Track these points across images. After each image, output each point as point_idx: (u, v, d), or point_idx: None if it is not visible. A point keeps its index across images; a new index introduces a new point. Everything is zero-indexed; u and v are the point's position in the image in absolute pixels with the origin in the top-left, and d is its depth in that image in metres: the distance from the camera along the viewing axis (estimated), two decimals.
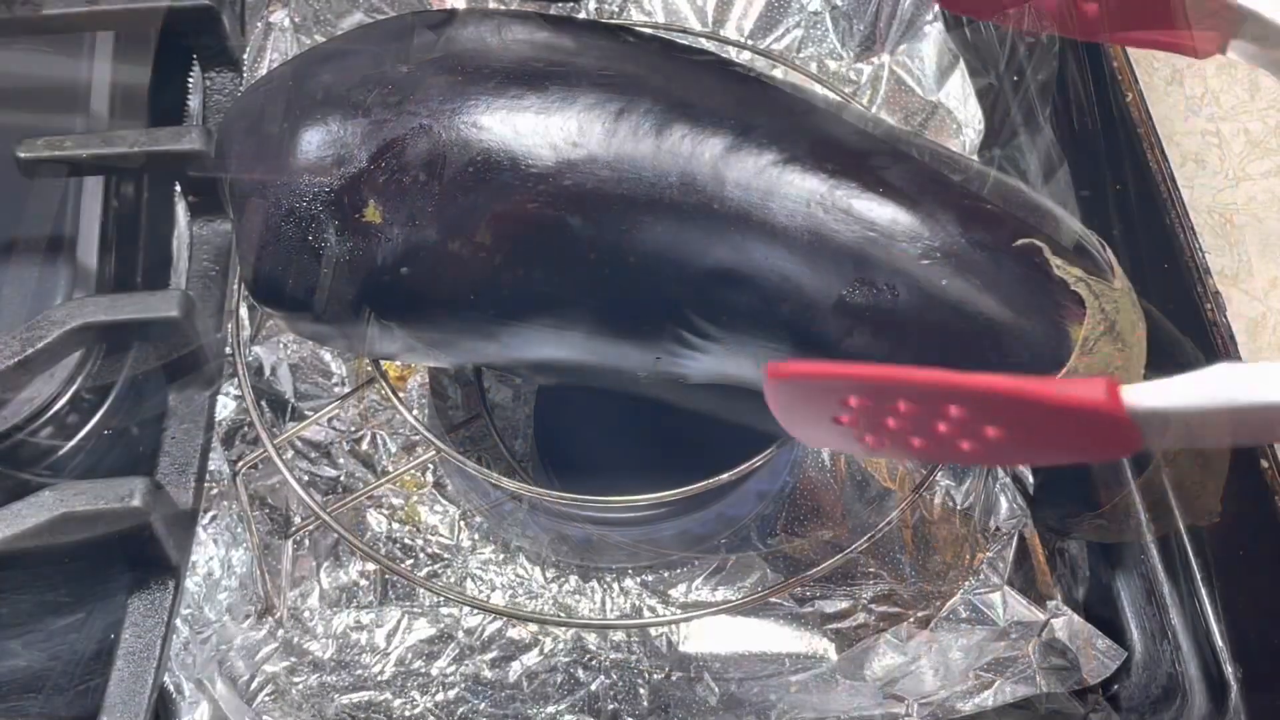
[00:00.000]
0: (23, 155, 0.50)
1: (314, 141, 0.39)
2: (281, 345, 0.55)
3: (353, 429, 0.54)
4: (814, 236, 0.38)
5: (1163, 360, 0.39)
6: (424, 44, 0.40)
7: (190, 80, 0.59)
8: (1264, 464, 0.49)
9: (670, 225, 0.39)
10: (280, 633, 0.49)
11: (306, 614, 0.50)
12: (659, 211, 0.38)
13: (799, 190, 0.38)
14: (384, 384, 0.46)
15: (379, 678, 0.49)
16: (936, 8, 0.63)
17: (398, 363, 0.55)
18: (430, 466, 0.53)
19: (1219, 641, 0.46)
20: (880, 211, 0.38)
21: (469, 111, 0.39)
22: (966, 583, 0.51)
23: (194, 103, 0.58)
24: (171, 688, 0.46)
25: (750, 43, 0.63)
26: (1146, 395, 0.32)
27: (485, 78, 0.39)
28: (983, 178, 0.40)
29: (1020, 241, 0.38)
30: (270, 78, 0.42)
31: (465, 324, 0.40)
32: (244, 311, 0.55)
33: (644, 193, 0.38)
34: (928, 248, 0.38)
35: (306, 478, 0.53)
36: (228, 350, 0.49)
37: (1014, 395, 0.33)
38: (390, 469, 0.53)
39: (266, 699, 0.48)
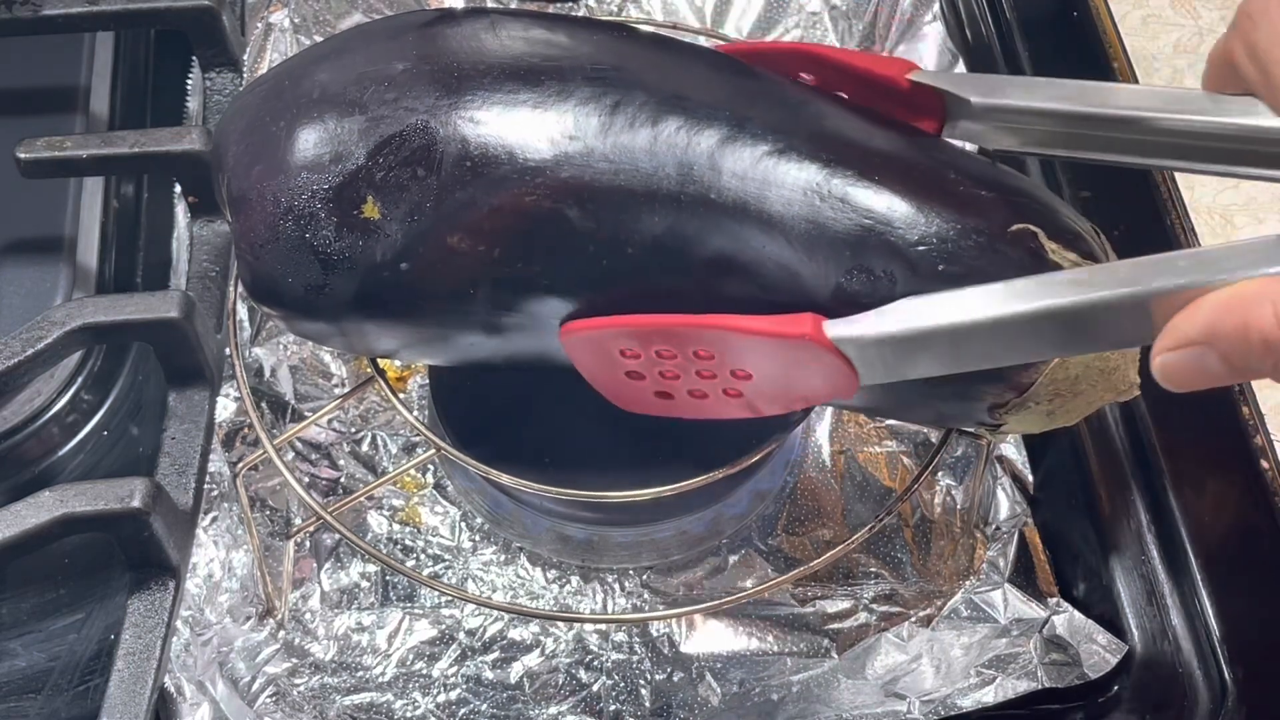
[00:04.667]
0: (23, 155, 0.50)
1: (311, 139, 0.39)
2: (281, 347, 0.55)
3: (353, 430, 0.54)
4: (811, 225, 0.38)
5: None
6: (419, 42, 0.40)
7: (190, 81, 0.59)
8: (1264, 465, 0.49)
9: (668, 216, 0.39)
10: (281, 634, 0.49)
11: (307, 615, 0.50)
12: (656, 202, 0.39)
13: (796, 179, 0.39)
14: (383, 385, 0.46)
15: (380, 679, 0.49)
16: (936, 7, 0.63)
17: (396, 363, 0.55)
18: (430, 467, 0.53)
19: (1219, 642, 0.46)
20: (877, 199, 0.38)
21: (465, 107, 0.39)
22: (968, 581, 0.51)
23: (194, 103, 0.59)
24: (172, 689, 0.46)
25: (749, 43, 0.64)
26: (843, 326, 0.37)
27: (481, 74, 0.39)
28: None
29: (1016, 227, 0.38)
30: (265, 78, 0.42)
31: (465, 319, 0.40)
32: (243, 312, 0.55)
33: (641, 184, 0.39)
34: (924, 234, 0.38)
35: (307, 479, 0.53)
36: (227, 351, 0.49)
37: (738, 331, 0.38)
38: (390, 470, 0.53)
39: (268, 700, 0.47)
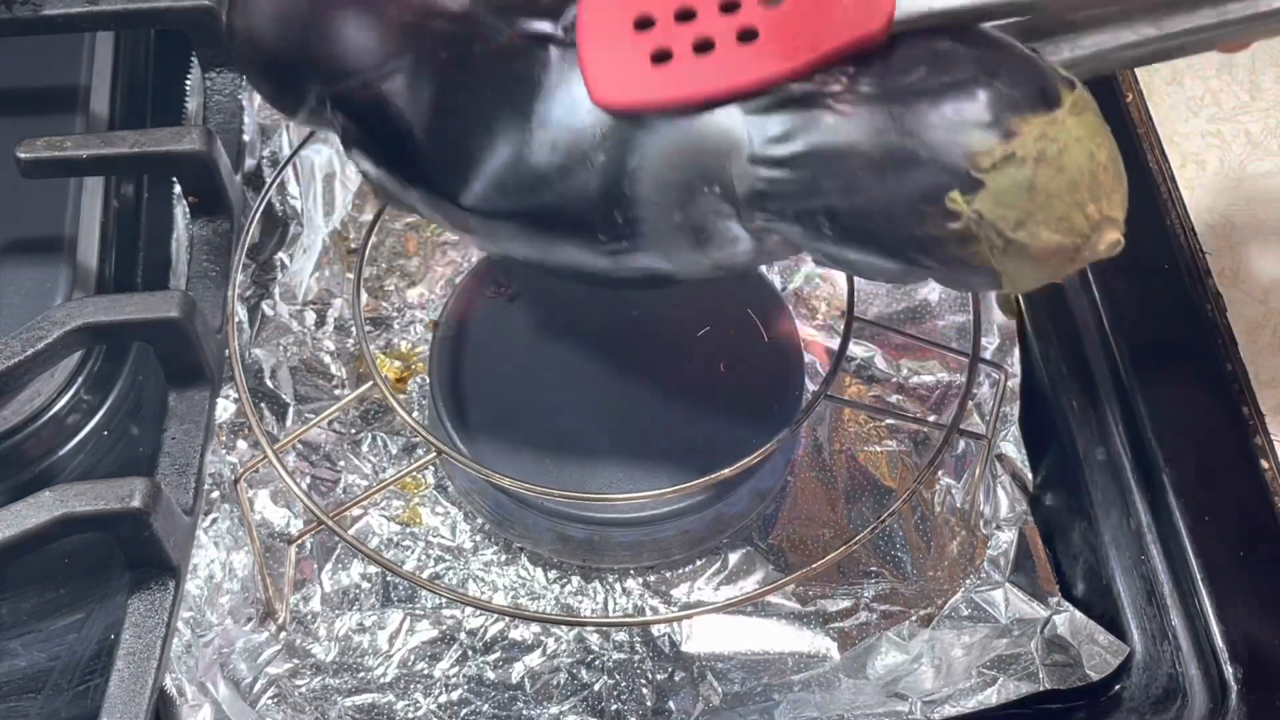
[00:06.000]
0: (23, 155, 0.50)
1: None
2: (281, 348, 0.55)
3: (353, 431, 0.54)
4: None
5: None
6: None
7: (190, 81, 0.59)
8: (1264, 465, 0.49)
9: None
10: (283, 635, 0.49)
11: (309, 617, 0.50)
12: None
13: None
14: (383, 386, 0.46)
15: (382, 680, 0.49)
16: None
17: (396, 363, 0.55)
18: (431, 468, 0.53)
19: (1219, 642, 0.47)
20: None
21: None
22: (968, 580, 0.51)
23: (194, 103, 0.59)
24: (173, 690, 0.46)
25: None
26: None
27: None
28: None
29: None
30: None
31: (475, 41, 0.40)
32: (242, 314, 0.55)
33: None
34: None
35: (307, 480, 0.53)
36: (226, 354, 0.49)
37: None
38: (391, 471, 0.53)
39: (269, 701, 0.47)
